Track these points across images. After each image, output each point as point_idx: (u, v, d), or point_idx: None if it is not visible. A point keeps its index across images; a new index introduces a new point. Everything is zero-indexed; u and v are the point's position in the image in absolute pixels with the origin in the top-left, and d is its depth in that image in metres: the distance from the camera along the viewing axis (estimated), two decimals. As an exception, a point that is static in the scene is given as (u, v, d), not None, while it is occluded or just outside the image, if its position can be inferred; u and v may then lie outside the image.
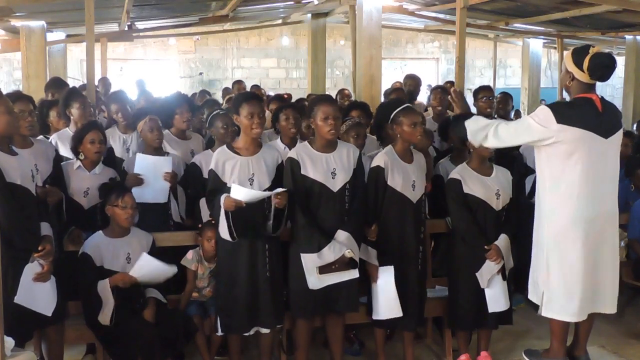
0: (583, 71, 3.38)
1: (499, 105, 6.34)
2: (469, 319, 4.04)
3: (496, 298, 3.93)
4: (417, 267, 3.94)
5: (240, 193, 3.50)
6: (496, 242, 3.90)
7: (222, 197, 3.52)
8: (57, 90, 5.66)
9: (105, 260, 3.66)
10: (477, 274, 3.92)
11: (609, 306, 3.53)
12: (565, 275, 3.43)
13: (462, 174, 4.01)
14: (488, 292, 3.94)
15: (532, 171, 4.58)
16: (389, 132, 4.27)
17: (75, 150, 4.09)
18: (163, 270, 3.69)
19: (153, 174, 4.20)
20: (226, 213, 3.51)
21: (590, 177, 3.38)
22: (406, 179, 3.84)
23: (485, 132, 3.59)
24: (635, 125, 8.85)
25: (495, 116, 6.86)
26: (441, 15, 10.49)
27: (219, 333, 3.82)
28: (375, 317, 3.91)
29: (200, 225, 4.08)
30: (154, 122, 4.33)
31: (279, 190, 3.54)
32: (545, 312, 3.52)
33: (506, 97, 6.45)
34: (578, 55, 3.41)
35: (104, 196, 3.80)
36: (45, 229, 3.51)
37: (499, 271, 3.92)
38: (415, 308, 3.95)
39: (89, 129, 4.08)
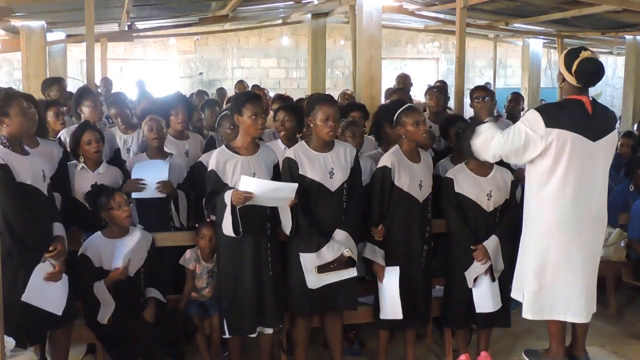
0: (571, 74, 3.39)
1: (510, 104, 6.37)
2: (460, 317, 4.05)
3: (483, 298, 3.93)
4: (422, 267, 3.96)
5: (252, 184, 3.47)
6: (484, 243, 3.90)
7: (229, 193, 3.51)
8: (48, 88, 5.66)
9: (104, 261, 3.66)
10: (465, 273, 3.93)
11: (585, 315, 3.47)
12: (546, 277, 3.43)
13: (456, 173, 4.03)
14: (475, 292, 3.95)
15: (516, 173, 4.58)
16: (387, 132, 4.29)
17: (75, 153, 4.09)
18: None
19: (151, 176, 4.16)
20: (233, 208, 3.50)
21: (577, 180, 3.37)
22: (413, 178, 3.85)
23: (486, 145, 3.60)
24: (635, 126, 8.84)
25: (503, 114, 6.86)
26: (441, 15, 10.49)
27: (226, 335, 3.80)
28: (381, 316, 3.92)
29: (197, 225, 4.08)
30: (153, 122, 4.32)
31: (294, 185, 3.51)
32: (525, 314, 3.53)
33: (517, 97, 6.48)
34: (569, 58, 3.41)
35: (93, 204, 3.79)
36: (58, 229, 3.51)
37: (487, 272, 3.92)
38: (421, 308, 3.96)
39: (83, 130, 4.08)
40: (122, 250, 3.69)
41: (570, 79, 3.40)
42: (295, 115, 4.44)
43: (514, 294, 3.64)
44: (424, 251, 3.96)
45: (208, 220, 3.97)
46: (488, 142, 3.59)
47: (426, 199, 3.94)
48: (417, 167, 3.90)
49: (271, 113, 5.43)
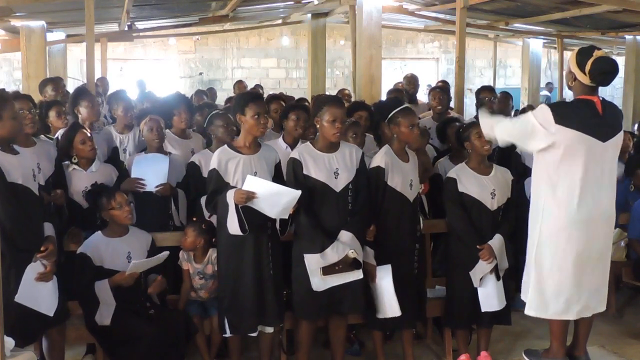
0: (585, 74, 3.36)
1: (499, 104, 6.36)
2: (463, 317, 4.05)
3: (489, 298, 3.94)
4: (413, 265, 3.95)
5: (255, 185, 3.48)
6: (490, 242, 3.91)
7: (231, 192, 3.51)
8: (43, 88, 5.67)
9: (105, 261, 3.66)
10: (470, 272, 3.93)
11: (599, 305, 3.53)
12: (554, 276, 3.43)
13: (459, 172, 4.03)
14: (481, 292, 3.95)
15: (530, 171, 4.58)
16: (384, 131, 4.29)
17: (67, 154, 4.08)
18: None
19: (151, 169, 4.16)
20: (236, 207, 3.50)
21: (586, 180, 3.37)
22: (405, 178, 3.85)
23: (492, 124, 3.64)
24: (636, 126, 8.83)
25: None
26: (441, 15, 10.49)
27: (227, 334, 3.79)
28: (380, 315, 3.91)
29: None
30: (153, 122, 4.32)
31: (297, 192, 3.51)
32: (527, 311, 3.53)
33: (506, 96, 6.45)
34: (582, 57, 3.38)
35: (93, 204, 3.79)
36: (48, 229, 3.50)
37: (492, 271, 3.93)
38: (413, 306, 3.95)
39: (76, 131, 4.09)
40: (124, 250, 3.70)
41: (584, 79, 3.38)
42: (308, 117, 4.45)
43: (524, 296, 3.63)
44: (415, 250, 3.96)
45: (195, 219, 3.98)
46: (493, 126, 3.62)
47: (416, 198, 3.96)
48: (408, 166, 3.91)
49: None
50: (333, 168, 3.71)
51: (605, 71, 3.34)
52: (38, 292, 3.38)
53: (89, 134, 4.13)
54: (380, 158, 3.85)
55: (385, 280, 3.83)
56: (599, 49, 3.40)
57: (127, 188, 4.09)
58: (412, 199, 3.90)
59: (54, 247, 3.45)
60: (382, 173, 3.82)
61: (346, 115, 3.80)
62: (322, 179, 3.69)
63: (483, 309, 3.95)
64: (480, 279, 3.93)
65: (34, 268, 3.37)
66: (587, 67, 3.34)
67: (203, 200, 3.98)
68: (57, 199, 3.79)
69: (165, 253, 3.73)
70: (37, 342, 3.87)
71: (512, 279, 4.15)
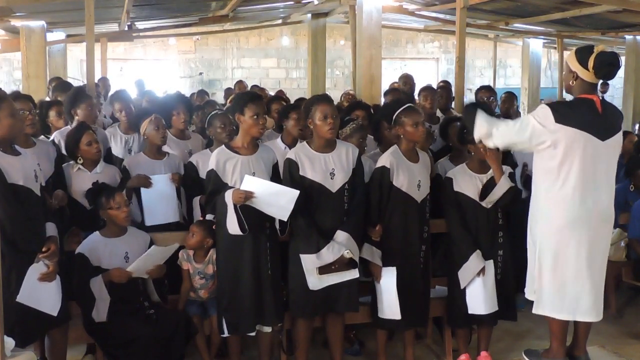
0: (588, 70, 3.35)
1: (503, 104, 6.34)
2: (461, 316, 4.05)
3: (475, 300, 3.94)
4: (419, 267, 3.95)
5: (254, 184, 3.49)
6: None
7: (230, 192, 3.52)
8: (62, 93, 5.63)
9: (102, 261, 3.66)
10: (458, 273, 3.94)
11: (598, 314, 3.48)
12: (557, 275, 3.42)
13: (455, 172, 4.05)
14: (468, 293, 3.96)
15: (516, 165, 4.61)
16: (384, 132, 4.29)
17: (73, 154, 4.08)
18: (155, 256, 3.65)
19: (159, 197, 4.17)
20: (235, 206, 3.50)
21: (586, 179, 3.37)
22: (411, 178, 3.85)
23: (490, 129, 3.55)
24: (636, 126, 8.84)
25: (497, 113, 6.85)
26: (441, 15, 10.49)
27: (225, 334, 3.80)
28: (380, 315, 3.91)
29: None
30: (158, 121, 4.33)
31: (295, 192, 3.52)
32: (535, 310, 3.52)
33: (511, 96, 6.42)
34: (582, 54, 3.37)
35: (93, 202, 3.79)
36: (51, 229, 3.49)
37: (480, 273, 3.92)
38: (420, 307, 3.96)
39: (83, 132, 4.08)
40: (122, 251, 3.70)
41: (586, 75, 3.37)
42: None
43: (528, 295, 3.62)
44: (422, 251, 3.96)
45: (202, 219, 3.98)
46: (491, 133, 3.54)
47: (424, 199, 3.95)
48: (416, 167, 3.90)
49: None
50: (329, 169, 3.71)
51: (609, 63, 3.32)
52: (41, 293, 3.38)
53: (95, 135, 4.13)
54: (386, 158, 3.86)
55: (389, 283, 3.84)
56: (597, 46, 3.40)
57: (136, 184, 4.09)
58: (419, 200, 3.90)
59: (56, 247, 3.44)
60: (387, 173, 3.82)
61: (337, 110, 3.79)
62: (318, 180, 3.69)
63: (470, 311, 3.96)
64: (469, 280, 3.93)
65: (37, 268, 3.36)
66: (591, 63, 3.33)
67: (196, 200, 3.99)
68: (60, 201, 3.76)
69: (154, 247, 3.71)
70: (38, 342, 3.88)
71: (513, 277, 4.15)
